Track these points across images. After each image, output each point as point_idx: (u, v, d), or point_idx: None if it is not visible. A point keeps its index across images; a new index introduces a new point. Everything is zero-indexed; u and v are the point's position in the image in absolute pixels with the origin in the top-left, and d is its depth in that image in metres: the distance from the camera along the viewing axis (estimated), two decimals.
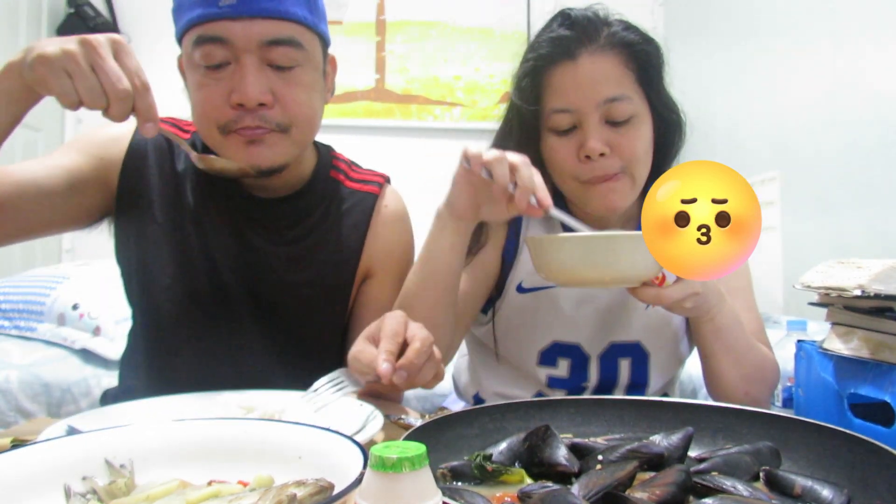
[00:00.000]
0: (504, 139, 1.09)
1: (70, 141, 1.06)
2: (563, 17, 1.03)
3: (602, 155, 0.97)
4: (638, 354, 1.10)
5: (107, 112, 0.78)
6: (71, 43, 0.76)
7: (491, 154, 0.85)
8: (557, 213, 0.88)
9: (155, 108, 0.80)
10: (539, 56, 1.02)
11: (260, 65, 0.92)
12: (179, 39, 0.97)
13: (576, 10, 1.04)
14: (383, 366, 0.74)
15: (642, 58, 1.00)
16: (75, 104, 0.77)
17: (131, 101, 0.78)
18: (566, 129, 1.00)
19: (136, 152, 1.05)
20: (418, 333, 0.79)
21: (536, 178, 0.86)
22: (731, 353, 0.98)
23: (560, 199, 1.13)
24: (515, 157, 0.85)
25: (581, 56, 0.98)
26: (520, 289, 1.10)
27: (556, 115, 1.00)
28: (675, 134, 1.08)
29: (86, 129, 2.95)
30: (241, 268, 1.05)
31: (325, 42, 1.01)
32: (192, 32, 0.93)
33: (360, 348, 0.81)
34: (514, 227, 1.12)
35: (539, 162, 1.06)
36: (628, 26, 1.02)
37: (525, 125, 1.04)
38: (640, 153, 1.00)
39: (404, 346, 0.78)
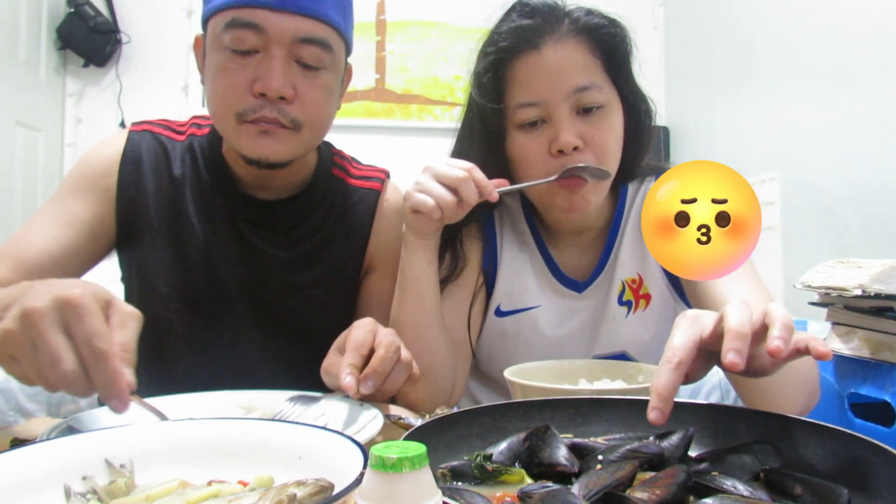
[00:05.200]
0: (465, 142, 1.03)
1: (66, 182, 1.04)
2: (522, 6, 0.98)
3: (575, 149, 0.93)
4: None
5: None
6: (12, 318, 0.61)
7: (432, 191, 0.90)
8: (506, 189, 0.93)
9: (118, 380, 0.60)
10: (500, 49, 0.96)
11: (288, 59, 0.92)
12: (206, 20, 0.96)
13: None
14: (346, 379, 0.73)
15: (609, 42, 0.96)
16: (33, 384, 0.64)
17: (81, 378, 0.60)
18: (533, 122, 0.94)
19: (130, 163, 1.04)
20: (384, 340, 0.77)
21: (476, 173, 0.90)
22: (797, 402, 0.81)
23: (529, 206, 1.09)
24: (448, 172, 0.90)
25: (545, 45, 0.93)
26: (498, 312, 1.08)
27: (523, 110, 0.94)
28: (646, 126, 1.02)
29: (85, 130, 2.97)
30: (244, 272, 1.04)
31: (348, 51, 1.02)
32: (225, 14, 0.92)
33: (330, 361, 0.80)
34: (490, 245, 1.09)
35: (505, 165, 1.00)
36: (590, 11, 0.97)
37: (487, 125, 0.98)
38: (612, 145, 0.96)
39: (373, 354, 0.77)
